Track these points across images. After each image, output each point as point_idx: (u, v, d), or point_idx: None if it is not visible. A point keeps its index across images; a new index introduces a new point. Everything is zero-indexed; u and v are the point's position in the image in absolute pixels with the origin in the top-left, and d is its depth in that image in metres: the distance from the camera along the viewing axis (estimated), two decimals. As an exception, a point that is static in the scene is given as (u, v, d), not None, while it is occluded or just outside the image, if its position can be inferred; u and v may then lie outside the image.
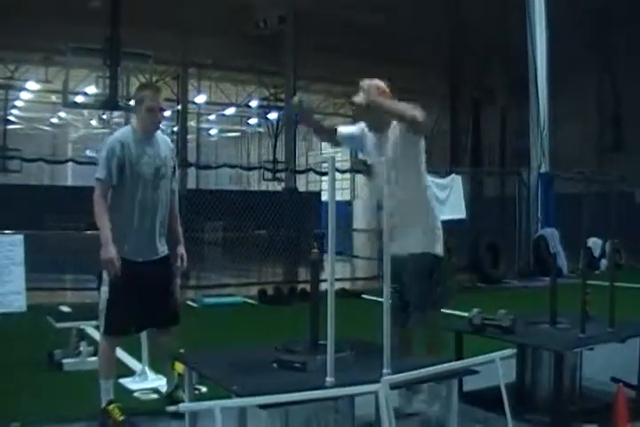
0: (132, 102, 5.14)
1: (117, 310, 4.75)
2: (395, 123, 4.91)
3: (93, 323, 6.58)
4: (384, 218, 3.92)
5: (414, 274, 4.72)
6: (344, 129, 5.19)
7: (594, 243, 14.35)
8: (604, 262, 14.70)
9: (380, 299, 4.32)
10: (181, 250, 5.17)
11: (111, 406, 4.65)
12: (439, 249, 4.86)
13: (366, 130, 5.10)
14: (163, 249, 5.06)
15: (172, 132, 31.47)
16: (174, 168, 5.19)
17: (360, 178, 38.97)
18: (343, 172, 21.14)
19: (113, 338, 4.84)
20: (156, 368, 5.62)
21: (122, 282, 4.74)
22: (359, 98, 4.86)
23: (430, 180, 14.15)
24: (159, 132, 5.12)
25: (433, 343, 4.86)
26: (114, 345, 4.92)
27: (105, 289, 4.81)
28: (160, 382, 5.54)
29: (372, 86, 4.88)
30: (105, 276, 4.80)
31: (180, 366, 4.95)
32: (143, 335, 5.71)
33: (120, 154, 4.79)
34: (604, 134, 21.74)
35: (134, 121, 5.12)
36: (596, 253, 14.78)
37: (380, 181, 4.89)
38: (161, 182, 4.96)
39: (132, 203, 4.85)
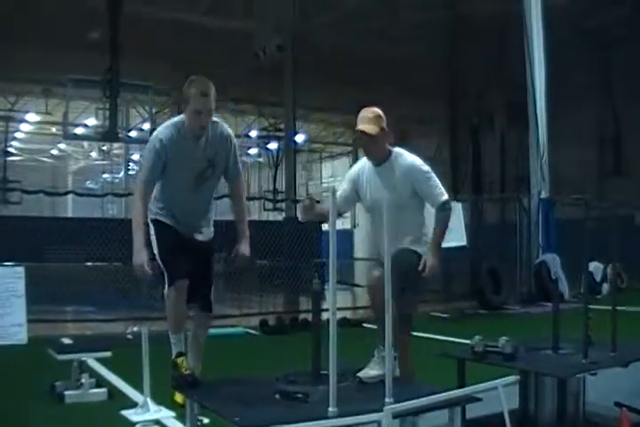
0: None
1: (173, 258, 4.88)
2: (399, 153, 5.03)
3: (95, 355, 6.58)
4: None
5: (396, 265, 4.42)
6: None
7: (595, 267, 14.33)
8: (605, 286, 14.67)
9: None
10: (241, 248, 5.15)
11: (180, 360, 4.74)
12: (423, 252, 4.97)
13: (364, 165, 5.17)
14: (207, 233, 5.22)
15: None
16: (234, 161, 5.19)
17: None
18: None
19: (177, 288, 4.83)
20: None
21: (169, 240, 4.96)
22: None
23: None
24: (219, 125, 5.05)
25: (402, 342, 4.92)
26: (180, 297, 4.88)
27: (156, 251, 4.99)
28: (162, 414, 5.51)
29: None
30: (153, 239, 5.00)
31: (180, 397, 4.93)
32: (146, 367, 5.69)
33: (161, 151, 4.81)
34: (605, 158, 21.76)
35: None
36: (598, 277, 14.75)
37: (379, 215, 4.82)
38: (206, 182, 5.02)
39: (173, 193, 5.01)
